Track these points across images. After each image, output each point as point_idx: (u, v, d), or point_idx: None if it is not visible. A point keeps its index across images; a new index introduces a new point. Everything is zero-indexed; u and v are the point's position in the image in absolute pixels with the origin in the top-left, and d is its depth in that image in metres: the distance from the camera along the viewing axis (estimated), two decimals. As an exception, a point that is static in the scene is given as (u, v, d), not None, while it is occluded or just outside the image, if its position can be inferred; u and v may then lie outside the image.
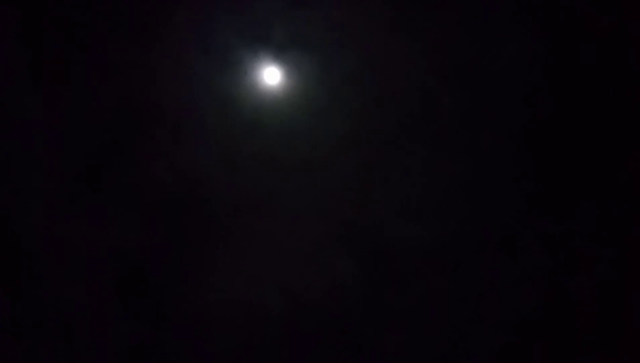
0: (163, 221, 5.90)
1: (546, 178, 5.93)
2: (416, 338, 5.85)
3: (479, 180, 5.96)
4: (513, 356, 5.79)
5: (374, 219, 6.00)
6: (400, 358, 5.84)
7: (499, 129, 5.99)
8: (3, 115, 5.77)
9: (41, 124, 5.82)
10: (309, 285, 5.92)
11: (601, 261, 5.80)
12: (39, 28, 5.81)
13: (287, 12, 6.00)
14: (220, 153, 5.97)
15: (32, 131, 5.81)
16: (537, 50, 5.94)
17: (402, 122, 6.03)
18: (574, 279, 5.81)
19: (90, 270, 5.83)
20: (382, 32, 6.01)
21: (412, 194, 5.99)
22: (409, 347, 5.85)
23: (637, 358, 5.66)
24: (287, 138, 6.02)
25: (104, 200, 5.86)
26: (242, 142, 5.99)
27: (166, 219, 5.91)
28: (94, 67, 5.85)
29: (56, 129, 5.84)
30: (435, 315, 5.86)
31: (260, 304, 5.90)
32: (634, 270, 5.78)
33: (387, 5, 6.01)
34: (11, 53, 5.78)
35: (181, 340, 5.85)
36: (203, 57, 5.96)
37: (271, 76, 6.05)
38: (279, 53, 6.04)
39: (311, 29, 6.03)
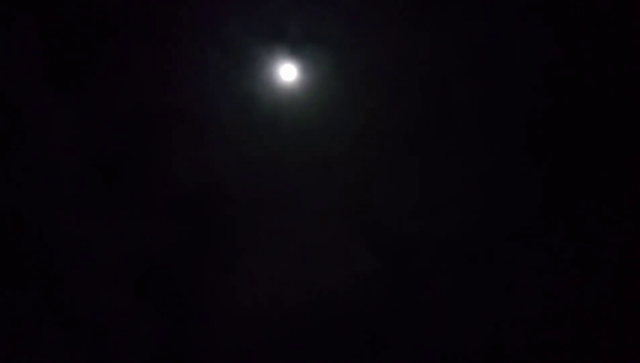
0: (184, 220, 5.95)
1: (563, 173, 5.94)
2: (438, 332, 5.90)
3: (497, 175, 5.97)
4: (534, 349, 5.84)
5: (393, 215, 6.03)
6: (422, 351, 5.89)
7: (515, 124, 6.00)
8: (25, 120, 5.80)
9: (62, 128, 5.85)
10: (331, 281, 5.97)
11: (620, 255, 5.82)
12: (57, 33, 5.82)
13: (302, 8, 5.99)
14: (238, 151, 5.99)
15: (54, 135, 5.84)
16: (552, 47, 5.93)
17: (419, 117, 6.03)
18: (592, 272, 5.84)
19: (113, 270, 5.88)
20: (398, 27, 6.00)
21: (431, 190, 6.01)
22: (431, 340, 5.90)
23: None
24: (305, 134, 6.03)
25: (125, 201, 5.90)
26: (261, 140, 6.00)
27: (187, 218, 5.95)
28: (111, 70, 5.87)
29: (77, 133, 5.87)
30: (455, 309, 5.91)
31: (282, 301, 5.95)
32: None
33: (403, 1, 5.99)
34: (31, 59, 5.80)
35: (205, 337, 5.90)
36: (219, 55, 5.96)
37: (287, 72, 6.06)
38: (295, 49, 6.03)
39: (326, 25, 6.01)
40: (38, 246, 5.84)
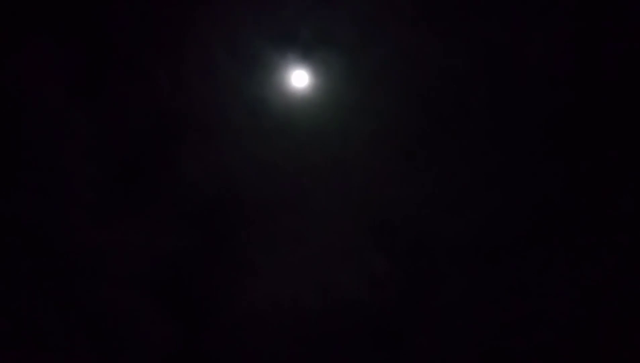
0: (199, 224, 5.99)
1: (578, 172, 5.91)
2: (452, 332, 5.91)
3: (511, 175, 5.95)
4: (549, 350, 5.83)
5: (407, 215, 6.03)
6: (437, 352, 5.90)
7: (530, 122, 5.96)
8: (40, 128, 5.84)
9: (77, 134, 5.89)
10: (345, 283, 5.99)
11: (638, 255, 5.78)
12: (70, 41, 5.85)
13: (314, 11, 5.97)
14: (252, 154, 6.01)
15: (69, 142, 5.88)
16: (567, 46, 5.88)
17: (431, 117, 6.02)
18: (610, 272, 5.81)
19: (129, 275, 5.94)
20: (410, 28, 5.97)
21: (445, 189, 6.01)
22: (446, 341, 5.91)
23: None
24: (317, 137, 6.04)
25: (141, 206, 5.95)
26: (274, 143, 6.02)
27: (202, 222, 6.00)
28: (124, 76, 5.89)
29: (92, 138, 5.91)
30: (470, 309, 5.91)
31: (297, 303, 5.98)
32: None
33: (414, 1, 5.96)
34: (45, 66, 5.83)
35: (221, 340, 5.95)
36: (231, 60, 5.96)
37: (300, 75, 6.06)
38: (307, 52, 6.02)
39: (338, 27, 6.00)
40: (54, 253, 5.90)
